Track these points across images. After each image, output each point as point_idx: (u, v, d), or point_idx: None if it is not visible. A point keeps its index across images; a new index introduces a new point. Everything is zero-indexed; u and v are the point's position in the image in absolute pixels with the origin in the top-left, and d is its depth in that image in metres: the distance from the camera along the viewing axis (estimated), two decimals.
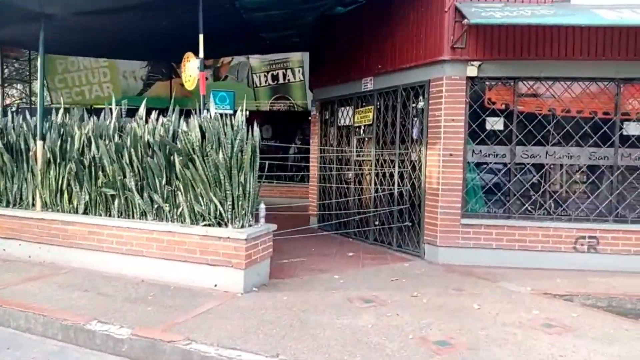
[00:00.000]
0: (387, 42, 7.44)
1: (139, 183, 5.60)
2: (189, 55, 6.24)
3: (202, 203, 5.25)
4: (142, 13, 6.89)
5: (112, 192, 5.75)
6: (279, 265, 6.18)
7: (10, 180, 6.53)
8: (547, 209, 6.59)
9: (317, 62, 9.91)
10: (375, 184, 7.80)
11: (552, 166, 6.67)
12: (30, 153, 6.28)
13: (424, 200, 6.80)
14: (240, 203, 5.17)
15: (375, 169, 7.80)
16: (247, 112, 14.82)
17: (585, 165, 6.57)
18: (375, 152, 7.80)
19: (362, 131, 8.26)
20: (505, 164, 6.65)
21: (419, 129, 7.06)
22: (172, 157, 5.36)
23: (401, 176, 7.34)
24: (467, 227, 6.51)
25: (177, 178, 5.36)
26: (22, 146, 6.39)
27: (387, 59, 7.45)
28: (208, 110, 5.61)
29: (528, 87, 6.55)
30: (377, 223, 7.82)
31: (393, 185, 7.40)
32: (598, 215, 6.45)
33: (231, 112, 5.51)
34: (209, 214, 5.24)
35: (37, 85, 18.75)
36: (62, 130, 6.19)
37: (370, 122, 7.90)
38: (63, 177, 6.07)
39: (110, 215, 5.83)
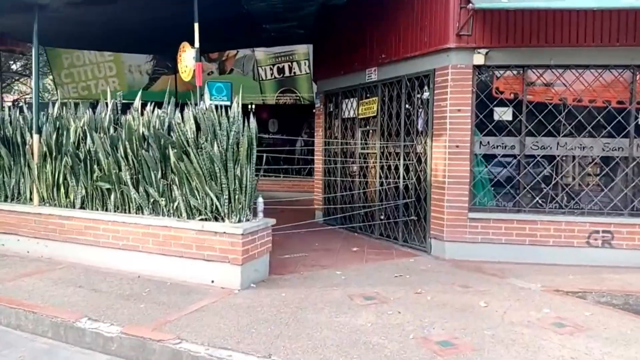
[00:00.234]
0: (391, 31, 7.21)
1: (134, 177, 5.46)
2: (185, 45, 6.07)
3: (197, 197, 5.10)
4: (139, 3, 6.73)
5: (108, 186, 5.62)
6: (280, 261, 6.02)
7: (8, 175, 6.44)
8: (558, 203, 6.34)
9: (320, 54, 9.70)
10: (380, 177, 7.59)
11: (563, 158, 6.41)
12: (27, 147, 6.17)
13: (430, 194, 6.58)
14: (236, 197, 5.01)
15: (380, 162, 7.59)
16: (253, 106, 14.64)
17: (598, 156, 6.29)
18: (380, 144, 7.59)
19: (366, 123, 8.05)
20: (514, 156, 6.41)
21: (424, 120, 6.83)
22: (167, 150, 5.20)
23: (406, 169, 7.12)
24: (475, 221, 6.28)
25: (172, 171, 5.21)
26: (19, 140, 6.29)
27: (391, 48, 7.22)
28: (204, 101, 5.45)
29: (538, 76, 6.29)
30: (382, 217, 7.61)
31: (398, 178, 7.19)
32: (613, 209, 6.18)
33: (228, 103, 5.34)
34: (205, 208, 5.09)
35: (46, 81, 18.84)
36: (57, 123, 6.07)
37: (375, 114, 7.68)
38: (59, 171, 5.96)
39: (106, 210, 5.70)
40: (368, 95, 7.99)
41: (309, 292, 4.76)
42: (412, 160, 7.01)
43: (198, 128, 5.05)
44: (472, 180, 6.35)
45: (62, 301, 4.37)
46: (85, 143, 5.77)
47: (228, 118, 5.05)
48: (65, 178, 5.94)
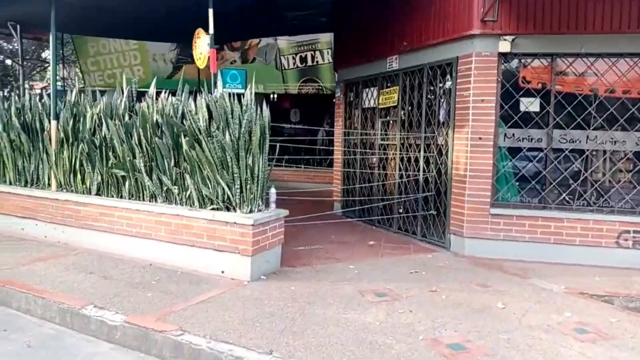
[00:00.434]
0: (412, 17, 6.95)
1: (148, 164, 5.42)
2: (199, 31, 5.97)
3: (209, 186, 5.02)
4: None
5: (123, 173, 5.60)
6: (294, 253, 5.92)
7: (28, 160, 6.51)
8: (587, 200, 6.02)
9: (341, 42, 9.48)
10: (400, 169, 7.38)
11: (593, 152, 6.07)
12: (45, 133, 6.22)
13: (450, 188, 6.35)
14: (248, 187, 4.91)
15: (400, 154, 7.38)
16: (275, 95, 14.56)
17: (631, 151, 5.93)
18: (400, 135, 7.37)
19: (386, 113, 7.84)
20: (540, 149, 6.10)
21: (446, 111, 6.58)
22: (179, 138, 5.13)
23: (427, 161, 6.89)
24: (497, 217, 6.03)
25: (184, 160, 5.14)
26: (38, 126, 6.34)
27: (413, 36, 6.97)
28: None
29: (567, 64, 5.96)
30: (401, 211, 7.42)
31: (418, 171, 6.97)
32: None
33: (242, 91, 5.23)
34: (217, 197, 5.01)
35: (72, 69, 19.15)
36: (74, 110, 6.08)
37: (395, 104, 7.46)
38: (76, 157, 5.98)
39: (121, 197, 5.70)
40: (389, 84, 7.76)
41: (319, 286, 4.64)
42: (433, 153, 6.78)
43: (211, 116, 4.96)
44: (495, 174, 6.09)
45: (71, 287, 4.37)
46: (101, 130, 5.76)
47: (241, 106, 4.94)
48: (81, 164, 5.96)
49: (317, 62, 13.81)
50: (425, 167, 6.89)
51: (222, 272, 4.86)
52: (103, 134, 5.73)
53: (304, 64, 13.95)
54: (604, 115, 5.88)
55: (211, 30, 5.65)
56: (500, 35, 5.85)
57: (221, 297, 4.24)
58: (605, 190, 6.02)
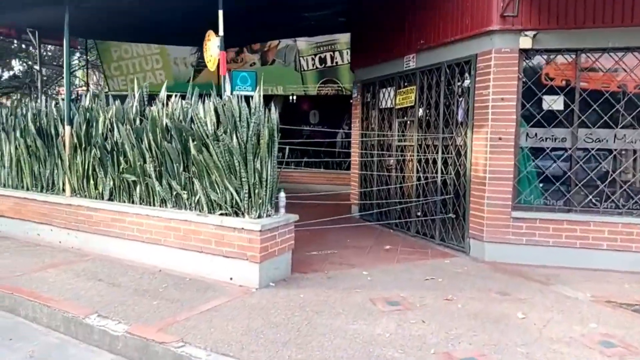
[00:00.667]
0: (430, 14, 6.73)
1: (158, 169, 5.37)
2: (210, 33, 5.90)
3: (217, 191, 4.93)
4: None
5: (133, 178, 5.56)
6: (307, 258, 5.78)
7: (44, 165, 6.56)
8: (615, 202, 5.69)
9: (358, 41, 9.29)
10: (418, 171, 7.16)
11: (622, 152, 5.73)
12: (59, 138, 6.25)
13: (469, 190, 6.10)
14: (256, 191, 4.79)
15: (418, 155, 7.16)
16: (295, 97, 14.49)
17: None
18: (418, 136, 7.15)
19: (404, 114, 7.62)
20: (565, 149, 5.81)
21: (464, 110, 6.34)
22: (188, 142, 5.06)
23: (445, 163, 6.66)
24: (519, 220, 5.76)
25: (193, 164, 5.07)
26: (53, 131, 6.38)
27: (430, 33, 6.74)
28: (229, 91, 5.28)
29: (593, 60, 5.65)
30: (419, 214, 7.19)
31: (436, 172, 6.74)
32: None
33: (252, 93, 5.13)
34: (225, 202, 4.91)
35: (97, 74, 19.50)
36: (87, 115, 6.09)
37: (413, 104, 7.24)
38: (89, 163, 5.98)
39: (133, 202, 5.66)
40: (406, 84, 7.55)
41: (329, 294, 4.48)
42: (451, 154, 6.54)
43: (219, 119, 4.87)
44: (516, 176, 5.82)
45: (78, 295, 4.33)
46: (113, 135, 5.75)
47: (250, 109, 4.84)
48: (94, 169, 5.96)
49: (336, 62, 13.64)
50: (444, 169, 6.65)
51: (231, 279, 4.76)
52: (115, 139, 5.71)
53: (323, 65, 13.81)
54: (633, 113, 5.55)
55: (221, 32, 5.57)
56: (521, 31, 5.59)
57: (227, 305, 4.13)
58: (635, 192, 5.68)
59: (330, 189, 11.19)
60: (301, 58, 13.94)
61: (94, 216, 5.80)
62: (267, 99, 15.75)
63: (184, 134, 5.09)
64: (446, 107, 6.63)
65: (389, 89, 7.96)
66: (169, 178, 5.29)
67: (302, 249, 6.09)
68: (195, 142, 4.90)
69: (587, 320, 3.96)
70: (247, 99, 4.93)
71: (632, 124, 5.58)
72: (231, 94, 5.17)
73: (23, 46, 17.70)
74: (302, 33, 12.85)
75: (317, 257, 5.85)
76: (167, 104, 5.49)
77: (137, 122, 5.62)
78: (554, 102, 5.79)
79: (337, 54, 13.54)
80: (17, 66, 17.77)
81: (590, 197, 5.72)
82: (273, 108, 4.95)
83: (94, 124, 5.97)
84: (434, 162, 6.80)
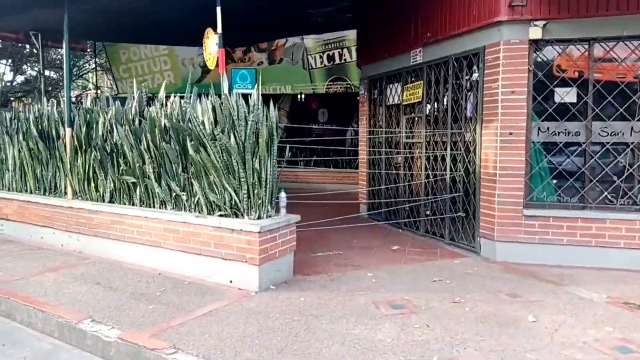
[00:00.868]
0: (436, 6, 6.52)
1: (157, 170, 5.27)
2: (209, 31, 5.78)
3: (216, 192, 4.80)
4: None
5: (133, 179, 5.47)
6: (311, 259, 5.63)
7: (46, 168, 6.52)
8: (632, 198, 5.43)
9: (364, 37, 9.10)
10: (426, 168, 6.96)
11: (639, 146, 5.47)
12: (60, 140, 6.19)
13: (479, 187, 5.89)
14: (255, 192, 4.65)
15: (426, 152, 6.95)
16: (303, 96, 14.33)
17: None
18: (425, 132, 6.94)
19: (411, 110, 7.42)
20: (579, 144, 5.56)
21: (473, 105, 6.12)
22: (186, 143, 4.94)
23: (454, 160, 6.44)
24: (532, 218, 5.53)
25: (192, 165, 4.95)
26: (54, 134, 6.33)
27: (437, 26, 6.54)
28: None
29: (607, 50, 5.39)
30: (428, 213, 6.99)
31: (445, 170, 6.53)
32: None
33: (252, 91, 5.01)
34: (224, 203, 4.78)
35: (102, 76, 19.61)
36: (88, 116, 6.02)
37: (420, 99, 7.04)
38: (89, 165, 5.91)
39: (133, 204, 5.57)
40: (413, 79, 7.35)
41: (331, 297, 4.32)
42: (460, 150, 6.33)
43: (217, 119, 4.74)
44: (528, 172, 5.59)
45: (74, 299, 4.24)
46: (113, 136, 5.66)
47: (248, 107, 4.70)
48: (94, 171, 5.88)
49: (344, 60, 13.45)
50: (452, 166, 6.44)
51: (230, 281, 4.63)
52: (114, 140, 5.63)
53: (331, 63, 13.64)
54: None
55: (219, 29, 5.45)
56: (531, 21, 5.37)
57: (224, 309, 3.99)
58: None
59: (339, 188, 11.03)
60: (309, 56, 13.79)
61: (94, 219, 5.73)
62: (275, 98, 15.59)
63: (181, 134, 4.97)
64: (454, 102, 6.42)
65: (396, 84, 7.77)
66: (168, 179, 5.18)
67: (307, 249, 5.95)
68: (193, 142, 4.78)
69: (602, 324, 3.74)
70: (248, 97, 4.79)
71: None
72: (229, 92, 5.03)
73: (34, 50, 17.87)
74: (309, 31, 12.68)
75: (321, 259, 5.69)
76: (166, 104, 5.39)
77: (136, 123, 5.53)
78: (566, 95, 5.55)
79: (345, 51, 13.36)
80: (28, 70, 17.93)
81: (606, 193, 5.47)
82: (272, 106, 4.80)
83: (94, 126, 5.89)
84: (443, 159, 6.60)
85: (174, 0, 7.37)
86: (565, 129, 5.58)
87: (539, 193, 5.67)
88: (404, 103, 7.50)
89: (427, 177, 6.91)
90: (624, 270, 5.11)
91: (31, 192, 6.72)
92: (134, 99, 5.75)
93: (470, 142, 6.15)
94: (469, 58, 6.07)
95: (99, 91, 16.79)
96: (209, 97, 4.93)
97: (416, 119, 7.34)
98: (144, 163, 5.34)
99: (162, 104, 5.41)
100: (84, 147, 5.94)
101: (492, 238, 5.69)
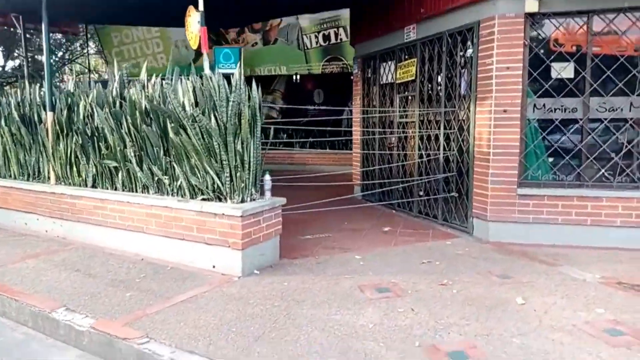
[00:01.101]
0: None
1: (138, 153, 5.11)
2: (190, 9, 5.53)
3: (198, 175, 4.65)
4: None
5: (115, 164, 5.32)
6: (300, 242, 5.51)
7: (29, 153, 6.37)
8: (630, 175, 5.26)
9: (357, 14, 8.83)
10: (420, 148, 6.77)
11: (638, 121, 5.27)
12: (41, 125, 6.03)
13: (472, 167, 5.72)
14: (238, 174, 4.50)
15: (420, 132, 6.76)
16: (298, 76, 14.01)
17: None
18: (419, 111, 6.74)
19: (405, 89, 7.21)
20: (576, 121, 5.37)
21: (467, 82, 5.91)
22: (167, 125, 4.77)
23: (447, 139, 6.26)
24: (526, 197, 5.37)
25: (173, 148, 4.79)
26: (36, 118, 6.16)
27: (431, 1, 6.28)
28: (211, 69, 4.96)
29: (607, 22, 5.15)
30: (421, 193, 6.83)
31: (439, 149, 6.35)
32: None
33: (235, 71, 4.81)
34: (207, 187, 4.63)
35: (99, 60, 19.34)
36: (69, 100, 5.84)
37: (414, 77, 6.82)
38: (71, 149, 5.75)
39: (115, 189, 5.43)
40: (406, 57, 7.12)
41: (316, 281, 4.20)
42: (454, 129, 6.14)
43: (198, 100, 4.56)
44: (522, 151, 5.41)
45: (50, 287, 4.13)
46: (94, 120, 5.50)
47: (231, 87, 4.51)
48: (76, 156, 5.73)
49: (340, 39, 13.14)
50: (446, 145, 6.26)
51: (213, 267, 4.51)
52: (95, 124, 5.46)
53: (327, 42, 13.34)
54: None
55: (201, 6, 5.21)
56: None
57: (204, 296, 3.87)
58: None
59: (336, 169, 10.87)
60: (304, 36, 13.49)
61: (76, 204, 5.60)
62: (271, 79, 15.30)
63: (161, 116, 4.80)
64: (448, 80, 6.21)
65: (389, 63, 7.54)
66: (149, 163, 5.02)
67: (297, 232, 5.83)
68: (173, 124, 4.61)
69: (593, 305, 3.60)
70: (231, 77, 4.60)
71: None
72: (213, 72, 4.83)
73: (28, 35, 17.60)
74: (303, 10, 12.38)
75: (310, 241, 5.56)
76: (148, 86, 5.21)
77: (117, 105, 5.35)
78: (563, 70, 5.33)
79: (341, 30, 13.04)
80: (21, 55, 17.67)
81: (603, 170, 5.29)
82: (254, 86, 4.61)
83: (76, 109, 5.72)
84: (436, 138, 6.41)
85: None
86: (562, 106, 5.38)
87: (534, 172, 5.50)
88: (397, 82, 7.28)
89: (421, 157, 6.73)
90: (620, 249, 4.97)
91: (15, 178, 6.58)
92: (115, 80, 5.56)
93: (464, 121, 5.95)
94: (464, 34, 5.84)
95: (94, 76, 16.56)
96: (190, 77, 4.74)
97: (410, 97, 7.13)
98: (125, 147, 5.19)
99: (144, 86, 5.22)
100: (65, 132, 5.78)
101: (485, 218, 5.54)
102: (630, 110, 5.22)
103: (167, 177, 4.94)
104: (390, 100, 7.57)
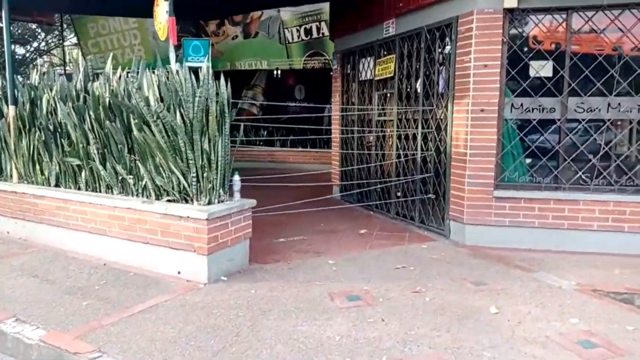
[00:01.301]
0: None
1: (101, 151, 4.87)
2: None
3: (163, 175, 4.44)
4: None
5: (77, 162, 5.07)
6: (272, 246, 5.33)
7: None
8: (607, 178, 5.18)
9: (337, 8, 8.65)
10: (398, 148, 6.64)
11: (616, 122, 5.20)
12: (2, 120, 5.74)
13: (449, 168, 5.60)
14: (205, 175, 4.30)
15: (397, 131, 6.62)
16: (279, 72, 13.76)
17: None
18: (397, 110, 6.60)
19: (384, 86, 7.06)
20: (553, 121, 5.27)
21: (445, 80, 5.78)
22: (131, 121, 4.54)
23: (425, 138, 6.13)
24: (502, 200, 5.27)
25: (137, 145, 4.57)
26: None
27: None
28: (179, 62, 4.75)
29: (586, 20, 5.05)
30: (398, 194, 6.70)
31: (416, 149, 6.21)
32: None
33: (203, 64, 4.59)
34: (173, 188, 4.43)
35: (75, 51, 18.82)
36: (32, 93, 5.56)
37: (392, 74, 6.67)
38: (34, 146, 5.49)
39: (79, 188, 5.19)
40: (385, 52, 6.96)
41: (285, 288, 4.03)
42: (432, 129, 6.00)
43: (162, 94, 4.34)
44: (499, 151, 5.31)
45: (3, 295, 3.89)
46: (57, 115, 5.24)
47: (198, 82, 4.30)
48: (39, 153, 5.46)
49: (322, 34, 12.92)
50: (424, 145, 6.13)
51: (179, 272, 4.31)
52: (59, 119, 5.20)
53: (309, 37, 13.11)
54: (630, 79, 4.99)
55: None
56: None
57: (165, 305, 3.68)
58: (629, 167, 5.17)
59: (317, 168, 10.72)
60: (285, 30, 13.25)
61: (39, 204, 5.34)
62: (251, 74, 15.00)
63: (125, 112, 4.58)
64: (426, 77, 6.07)
65: (368, 59, 7.38)
66: (113, 161, 4.79)
67: (270, 235, 5.66)
68: (136, 121, 4.39)
69: (568, 315, 3.50)
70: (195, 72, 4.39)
71: (628, 91, 5.03)
72: (180, 65, 4.61)
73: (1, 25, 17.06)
74: (284, 2, 12.13)
75: (283, 245, 5.39)
76: (112, 80, 4.96)
77: (81, 99, 5.10)
78: (541, 68, 5.23)
79: (323, 24, 12.82)
80: None
81: (580, 173, 5.21)
82: (223, 80, 4.41)
83: (39, 104, 5.45)
84: (414, 137, 6.28)
85: None
86: (540, 105, 5.28)
87: (511, 173, 5.40)
88: (376, 78, 7.12)
89: (399, 157, 6.60)
90: (596, 253, 4.89)
91: None
92: (79, 73, 5.30)
93: (441, 120, 5.83)
94: (442, 29, 5.70)
95: (68, 68, 16.09)
96: (155, 71, 4.52)
97: (388, 95, 6.98)
98: (88, 144, 4.94)
99: (108, 79, 4.98)
100: (28, 127, 5.50)
101: (461, 221, 5.43)
102: (607, 111, 5.14)
103: (131, 177, 4.72)
104: (369, 97, 7.42)
